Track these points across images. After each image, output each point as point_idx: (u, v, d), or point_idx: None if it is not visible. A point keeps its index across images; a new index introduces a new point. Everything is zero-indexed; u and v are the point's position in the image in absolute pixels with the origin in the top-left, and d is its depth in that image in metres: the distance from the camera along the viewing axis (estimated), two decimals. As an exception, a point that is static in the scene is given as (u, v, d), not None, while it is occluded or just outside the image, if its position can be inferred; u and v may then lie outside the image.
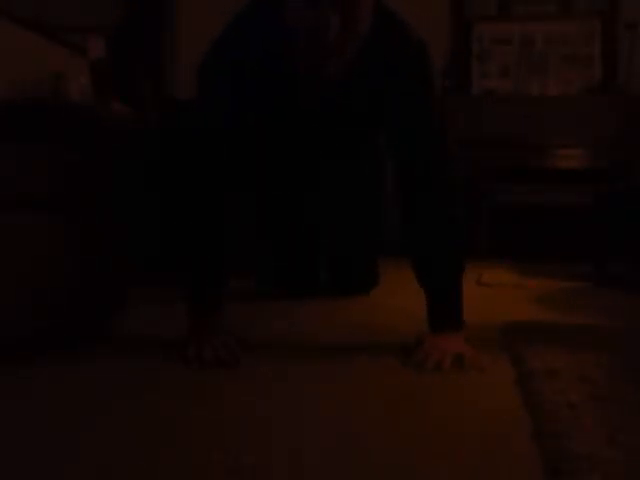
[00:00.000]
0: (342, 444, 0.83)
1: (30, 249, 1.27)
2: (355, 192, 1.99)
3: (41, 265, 1.30)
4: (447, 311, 1.34)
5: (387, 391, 1.08)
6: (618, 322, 1.72)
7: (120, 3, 2.74)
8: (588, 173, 3.66)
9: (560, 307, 1.98)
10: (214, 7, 4.41)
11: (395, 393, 1.07)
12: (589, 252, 2.84)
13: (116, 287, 1.54)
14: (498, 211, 3.80)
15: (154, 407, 0.98)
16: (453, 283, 1.35)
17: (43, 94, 2.51)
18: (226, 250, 1.37)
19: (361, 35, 1.26)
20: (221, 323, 1.34)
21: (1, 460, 0.78)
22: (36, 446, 0.82)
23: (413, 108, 1.36)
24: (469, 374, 1.18)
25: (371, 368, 1.22)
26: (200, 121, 1.42)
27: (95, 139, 1.97)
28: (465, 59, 4.33)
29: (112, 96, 2.60)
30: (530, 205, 3.75)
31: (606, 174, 3.44)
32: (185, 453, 0.79)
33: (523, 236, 3.80)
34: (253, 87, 1.39)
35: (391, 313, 1.82)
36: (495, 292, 2.22)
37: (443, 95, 4.11)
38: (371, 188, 2.05)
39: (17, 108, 2.16)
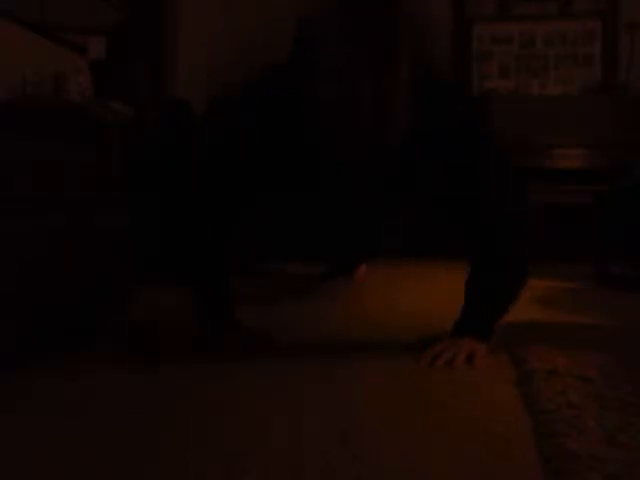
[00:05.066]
0: (342, 444, 0.83)
1: (30, 249, 1.27)
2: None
3: (41, 265, 1.30)
4: (476, 322, 1.32)
5: (387, 391, 1.08)
6: (618, 322, 1.72)
7: (120, 3, 2.74)
8: (588, 173, 3.66)
9: (560, 307, 1.98)
10: (214, 7, 4.42)
11: (395, 393, 1.07)
12: (589, 252, 2.84)
13: (116, 287, 1.54)
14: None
15: (154, 408, 0.98)
16: (495, 306, 1.33)
17: (43, 94, 2.51)
18: (229, 250, 1.38)
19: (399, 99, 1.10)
20: (236, 322, 1.37)
21: (2, 460, 0.78)
22: (34, 447, 0.82)
23: (467, 174, 1.26)
24: (469, 374, 1.18)
25: (371, 368, 1.22)
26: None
27: (95, 139, 1.97)
28: (465, 59, 4.33)
29: (112, 96, 2.60)
30: (530, 205, 3.75)
31: (606, 174, 3.44)
32: (184, 455, 0.79)
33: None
34: (263, 156, 1.28)
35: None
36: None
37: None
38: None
39: (17, 108, 2.16)
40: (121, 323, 1.53)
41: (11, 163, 1.25)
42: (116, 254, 1.52)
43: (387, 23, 1.09)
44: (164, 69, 3.88)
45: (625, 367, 1.17)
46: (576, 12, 4.20)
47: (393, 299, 2.08)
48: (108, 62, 2.99)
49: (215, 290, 1.36)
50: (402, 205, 1.57)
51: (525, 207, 1.37)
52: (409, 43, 1.11)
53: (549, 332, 1.54)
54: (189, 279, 1.39)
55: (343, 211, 1.53)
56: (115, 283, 1.53)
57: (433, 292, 2.21)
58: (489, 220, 1.29)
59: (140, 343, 1.41)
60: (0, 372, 1.14)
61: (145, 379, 1.13)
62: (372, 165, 1.25)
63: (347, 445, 0.82)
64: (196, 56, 4.20)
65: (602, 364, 1.19)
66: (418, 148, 1.23)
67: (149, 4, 3.73)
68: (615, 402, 0.96)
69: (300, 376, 1.15)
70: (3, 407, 0.98)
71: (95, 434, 0.86)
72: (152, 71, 3.14)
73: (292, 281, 2.40)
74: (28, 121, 2.01)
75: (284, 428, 0.89)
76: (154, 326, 1.59)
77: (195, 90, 4.01)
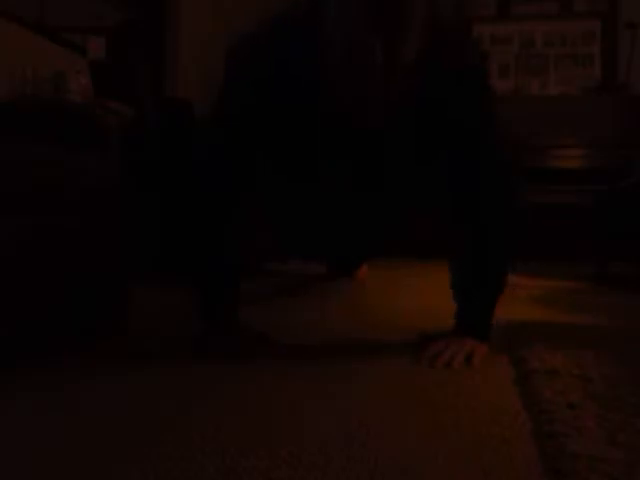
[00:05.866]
0: (342, 445, 0.83)
1: (30, 249, 1.27)
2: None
3: (41, 265, 1.30)
4: (474, 321, 1.32)
5: (387, 391, 1.08)
6: (618, 322, 1.72)
7: (120, 3, 2.74)
8: (588, 173, 3.66)
9: (560, 307, 1.98)
10: (214, 7, 4.42)
11: (395, 393, 1.07)
12: (589, 252, 2.84)
13: (117, 287, 1.54)
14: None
15: (154, 408, 0.98)
16: (488, 301, 1.34)
17: (43, 94, 2.51)
18: (233, 251, 1.37)
19: (410, 64, 1.15)
20: (237, 322, 1.37)
21: (1, 460, 0.78)
22: (33, 446, 0.82)
23: (469, 138, 1.29)
24: (469, 374, 1.18)
25: (371, 368, 1.22)
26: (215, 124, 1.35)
27: (95, 139, 1.97)
28: (465, 59, 4.32)
29: (112, 96, 2.60)
30: (530, 205, 3.75)
31: (606, 174, 3.44)
32: (184, 455, 0.79)
33: (523, 236, 3.80)
34: (277, 98, 1.27)
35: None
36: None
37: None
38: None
39: (17, 108, 2.16)
40: (121, 323, 1.53)
41: (11, 163, 1.25)
42: (116, 254, 1.52)
43: None
44: (164, 69, 3.88)
45: (625, 367, 1.17)
46: (576, 12, 4.20)
47: (393, 298, 2.08)
48: (108, 62, 2.99)
49: (216, 290, 1.36)
50: (403, 204, 1.57)
51: (518, 196, 1.39)
52: (422, 9, 1.14)
53: (549, 332, 1.54)
54: (190, 279, 1.39)
55: (345, 210, 1.53)
56: (115, 283, 1.53)
57: (433, 290, 2.21)
58: (481, 201, 1.31)
59: (140, 343, 1.41)
60: (0, 372, 1.14)
61: (145, 379, 1.13)
62: (383, 137, 1.29)
63: (347, 445, 0.82)
64: (196, 56, 4.20)
65: (602, 364, 1.19)
66: (429, 111, 1.26)
67: (149, 4, 3.73)
68: (615, 402, 0.96)
69: (300, 376, 1.15)
70: (3, 407, 0.98)
71: (95, 434, 0.86)
72: (152, 71, 3.14)
73: (293, 281, 2.41)
74: (28, 121, 2.01)
75: (284, 428, 0.89)
76: (154, 326, 1.59)
77: (195, 90, 4.01)
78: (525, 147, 3.74)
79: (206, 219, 1.35)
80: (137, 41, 3.39)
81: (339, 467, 0.75)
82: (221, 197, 1.35)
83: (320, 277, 2.42)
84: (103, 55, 3.07)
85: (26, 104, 2.23)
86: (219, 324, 1.35)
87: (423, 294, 2.16)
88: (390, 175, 1.41)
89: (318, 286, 2.32)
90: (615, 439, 0.81)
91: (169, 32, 3.93)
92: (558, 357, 1.23)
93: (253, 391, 1.07)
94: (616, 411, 0.92)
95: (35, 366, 1.19)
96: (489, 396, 1.05)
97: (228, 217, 1.36)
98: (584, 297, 2.22)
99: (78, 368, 1.20)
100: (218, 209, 1.35)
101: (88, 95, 2.64)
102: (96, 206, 1.45)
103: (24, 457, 0.79)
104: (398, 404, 1.01)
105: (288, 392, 1.06)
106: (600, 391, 1.02)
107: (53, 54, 2.70)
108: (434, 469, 0.75)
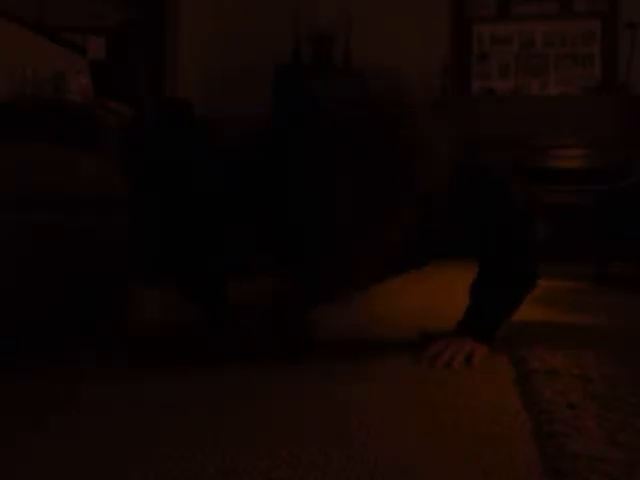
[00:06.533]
0: (342, 444, 0.83)
1: (30, 249, 1.27)
2: None
3: (41, 265, 1.30)
4: (477, 322, 1.32)
5: (387, 391, 1.08)
6: (618, 322, 1.72)
7: (120, 3, 2.74)
8: (588, 173, 3.67)
9: (560, 307, 1.98)
10: (214, 7, 4.42)
11: (395, 393, 1.07)
12: (589, 252, 2.84)
13: (117, 287, 1.54)
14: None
15: (153, 408, 0.98)
16: (498, 306, 1.33)
17: (43, 94, 2.51)
18: (233, 251, 1.37)
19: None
20: (236, 321, 1.37)
21: (1, 460, 0.78)
22: (33, 446, 0.82)
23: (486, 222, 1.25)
24: (469, 374, 1.18)
25: (371, 368, 1.22)
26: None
27: (95, 139, 1.97)
28: (465, 59, 4.33)
29: (112, 96, 2.60)
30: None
31: (606, 174, 3.44)
32: (183, 454, 0.79)
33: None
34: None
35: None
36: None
37: (443, 95, 4.12)
38: None
39: (17, 108, 2.16)
40: (121, 323, 1.53)
41: (11, 163, 1.25)
42: (116, 254, 1.52)
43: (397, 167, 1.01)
44: (164, 69, 3.88)
45: (625, 367, 1.17)
46: (576, 12, 4.20)
47: (394, 298, 2.08)
48: (108, 62, 3.00)
49: (215, 290, 1.37)
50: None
51: (534, 220, 1.37)
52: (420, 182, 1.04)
53: (549, 332, 1.54)
54: (190, 280, 1.39)
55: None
56: (115, 283, 1.53)
57: (434, 291, 2.21)
58: (498, 237, 1.29)
59: (140, 343, 1.41)
60: (0, 372, 1.14)
61: (145, 379, 1.13)
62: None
63: (347, 445, 0.82)
64: (196, 56, 4.20)
65: (602, 364, 1.19)
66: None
67: (149, 4, 3.73)
68: (615, 402, 0.96)
69: (300, 376, 1.15)
70: (3, 407, 0.98)
71: (95, 434, 0.86)
72: (152, 71, 3.15)
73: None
74: (28, 121, 2.01)
75: (284, 428, 0.89)
76: (154, 326, 1.59)
77: (195, 90, 4.01)
78: (525, 147, 3.75)
79: (206, 219, 1.35)
80: (137, 41, 3.38)
81: (339, 467, 0.75)
82: (221, 197, 1.35)
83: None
84: (103, 55, 3.07)
85: (26, 104, 2.23)
86: (219, 324, 1.36)
87: (423, 294, 2.16)
88: None
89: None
90: (615, 439, 0.81)
91: (169, 32, 3.93)
92: (558, 357, 1.23)
93: (253, 391, 1.07)
94: (616, 411, 0.92)
95: (35, 366, 1.19)
96: (489, 396, 1.05)
97: (228, 217, 1.36)
98: (584, 297, 2.23)
99: (78, 368, 1.20)
100: (218, 209, 1.35)
101: (88, 95, 2.64)
102: (96, 206, 1.45)
103: (24, 457, 0.79)
104: (398, 404, 1.00)
105: (288, 392, 1.06)
106: (600, 391, 1.02)
107: (53, 54, 2.70)
108: (434, 469, 0.75)
